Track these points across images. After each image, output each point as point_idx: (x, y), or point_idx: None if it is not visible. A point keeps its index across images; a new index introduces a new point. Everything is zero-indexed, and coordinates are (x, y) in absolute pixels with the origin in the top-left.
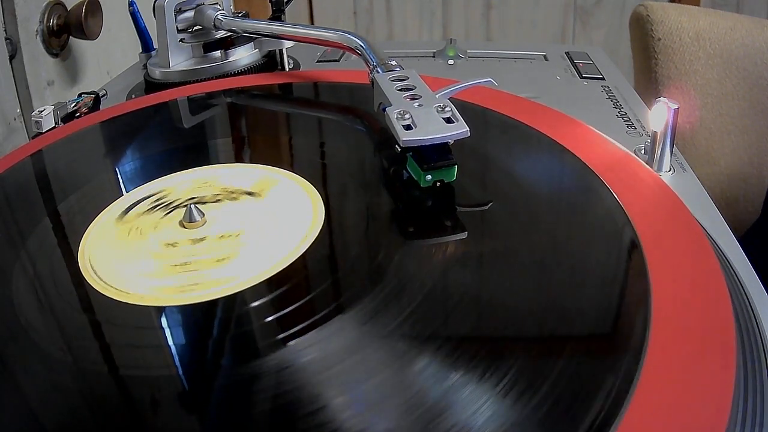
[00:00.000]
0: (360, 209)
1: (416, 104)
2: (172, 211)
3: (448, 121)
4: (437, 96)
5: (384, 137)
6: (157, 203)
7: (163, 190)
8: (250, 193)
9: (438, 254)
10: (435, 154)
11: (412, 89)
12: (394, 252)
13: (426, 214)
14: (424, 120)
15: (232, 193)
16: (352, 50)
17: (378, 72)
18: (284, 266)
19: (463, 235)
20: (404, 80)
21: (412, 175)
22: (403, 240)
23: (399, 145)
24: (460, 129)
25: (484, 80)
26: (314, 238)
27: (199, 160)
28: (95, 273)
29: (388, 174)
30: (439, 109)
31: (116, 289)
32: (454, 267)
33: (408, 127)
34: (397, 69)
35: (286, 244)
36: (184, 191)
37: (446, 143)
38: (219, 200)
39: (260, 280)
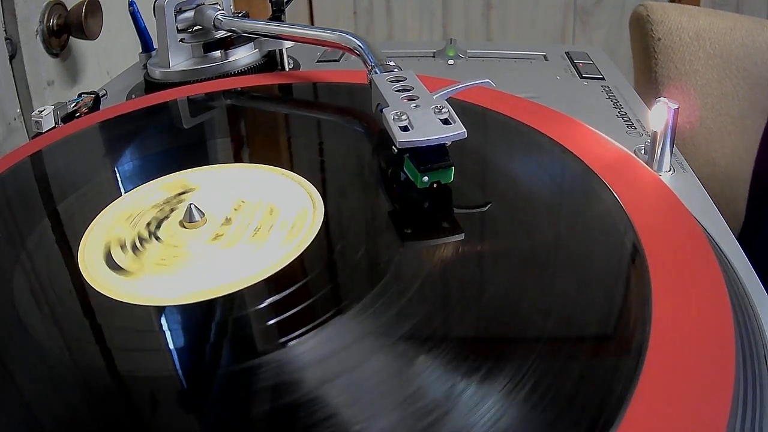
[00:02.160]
0: (357, 210)
1: (413, 105)
2: (158, 238)
3: (446, 122)
4: (434, 97)
5: (382, 138)
6: (132, 245)
7: (110, 241)
8: (182, 193)
9: (436, 256)
10: (432, 155)
11: (410, 90)
12: (393, 253)
13: (423, 216)
14: (421, 121)
15: (167, 202)
16: (351, 50)
17: (376, 72)
18: (282, 266)
19: (461, 236)
20: (402, 81)
21: (409, 176)
22: (401, 241)
23: (396, 147)
24: (457, 130)
25: (482, 81)
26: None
27: (202, 158)
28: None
29: (386, 175)
30: (437, 110)
31: (229, 284)
32: (453, 268)
33: (405, 128)
34: (395, 70)
35: (295, 197)
36: (129, 228)
37: (443, 144)
38: (173, 209)
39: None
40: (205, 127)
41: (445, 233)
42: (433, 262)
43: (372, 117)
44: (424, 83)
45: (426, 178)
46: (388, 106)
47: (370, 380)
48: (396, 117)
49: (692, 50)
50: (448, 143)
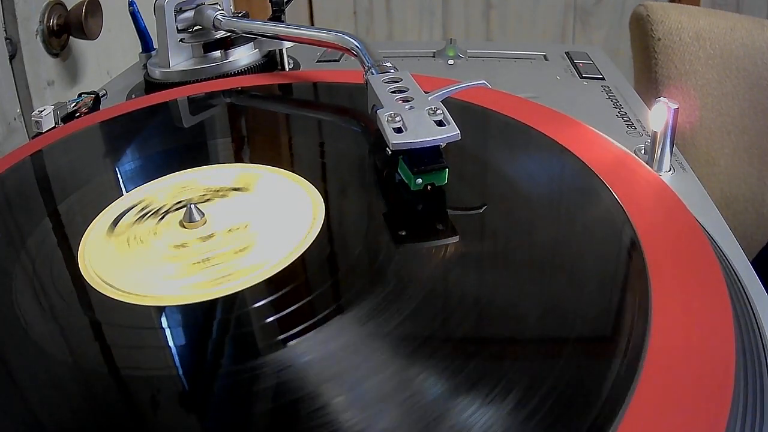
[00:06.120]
0: (355, 211)
1: (408, 107)
2: (163, 216)
3: (440, 123)
4: (430, 98)
5: (379, 139)
6: (144, 212)
7: (144, 199)
8: (236, 189)
9: (429, 258)
10: (426, 157)
11: (405, 91)
12: (390, 255)
13: (418, 218)
14: (415, 123)
15: (218, 191)
16: (348, 51)
17: (372, 73)
18: (283, 267)
19: (455, 238)
20: (397, 82)
21: (403, 178)
22: (396, 243)
23: (389, 148)
24: (451, 132)
25: (478, 82)
26: (312, 240)
27: (198, 160)
28: (99, 277)
29: (381, 177)
30: (431, 111)
31: (142, 295)
32: (451, 268)
33: (398, 130)
34: (392, 71)
35: (288, 239)
36: (167, 196)
37: (437, 146)
38: (209, 199)
39: (280, 268)
40: (205, 127)
41: (440, 235)
42: (427, 265)
43: (370, 118)
44: (423, 83)
45: (420, 180)
46: (383, 108)
47: (369, 380)
48: (390, 118)
49: (692, 50)
50: (443, 145)
